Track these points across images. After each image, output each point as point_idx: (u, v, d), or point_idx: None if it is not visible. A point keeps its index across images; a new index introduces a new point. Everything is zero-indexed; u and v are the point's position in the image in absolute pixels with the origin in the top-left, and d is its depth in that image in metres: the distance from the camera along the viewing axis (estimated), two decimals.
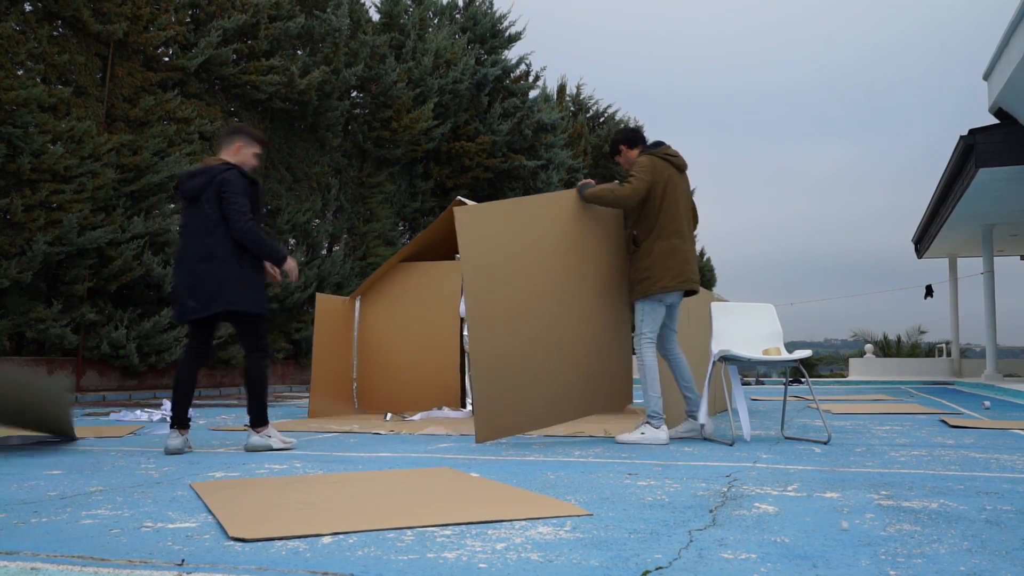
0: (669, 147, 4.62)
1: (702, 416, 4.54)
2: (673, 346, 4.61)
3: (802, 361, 4.80)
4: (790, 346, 4.82)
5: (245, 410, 4.34)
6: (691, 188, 4.77)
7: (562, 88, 23.24)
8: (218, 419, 6.34)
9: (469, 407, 6.76)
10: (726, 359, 4.57)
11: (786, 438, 4.65)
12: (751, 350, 4.61)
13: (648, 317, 4.47)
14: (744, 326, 4.76)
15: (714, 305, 4.82)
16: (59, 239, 9.14)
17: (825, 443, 4.36)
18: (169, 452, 3.94)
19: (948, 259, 20.35)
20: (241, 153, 4.27)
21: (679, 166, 4.60)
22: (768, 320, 4.83)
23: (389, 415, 6.23)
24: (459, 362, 6.78)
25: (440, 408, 6.55)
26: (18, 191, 8.83)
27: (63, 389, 4.25)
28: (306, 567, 1.71)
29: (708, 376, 4.64)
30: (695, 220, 4.77)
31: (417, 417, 6.19)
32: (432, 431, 5.12)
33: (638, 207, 4.49)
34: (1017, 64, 9.52)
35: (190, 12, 11.49)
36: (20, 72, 9.06)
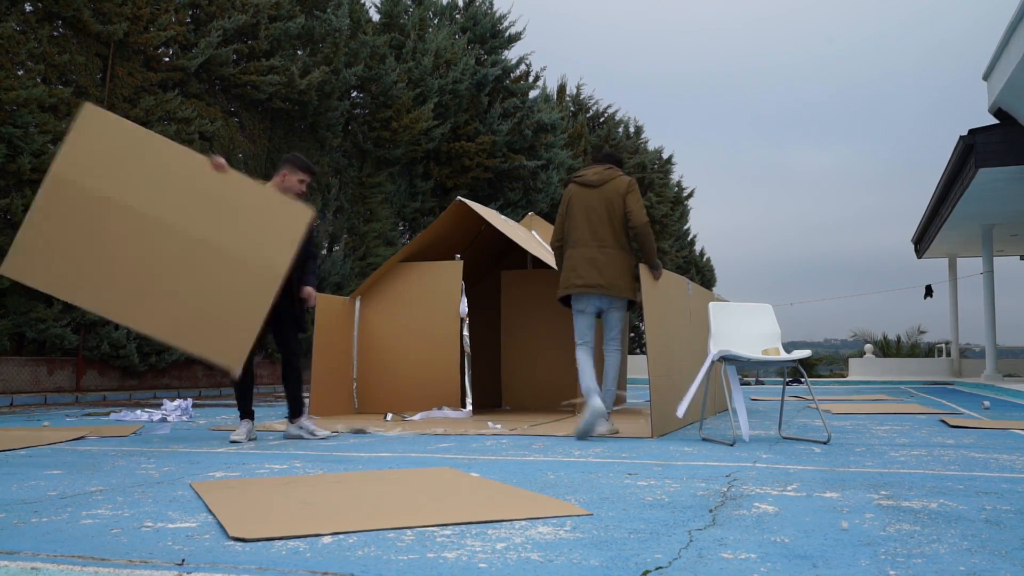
0: (584, 169, 5.09)
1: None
2: (607, 349, 4.98)
3: (801, 361, 4.80)
4: (789, 346, 4.82)
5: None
6: (612, 196, 4.87)
7: (562, 88, 23.25)
8: (218, 419, 6.34)
9: (469, 407, 6.76)
10: (725, 359, 4.57)
11: (784, 438, 4.65)
12: (750, 350, 4.61)
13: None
14: (742, 326, 4.76)
15: (712, 305, 4.81)
16: None
17: (825, 443, 4.37)
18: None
19: (948, 259, 20.35)
20: (287, 181, 4.58)
21: (586, 183, 4.94)
22: (766, 320, 4.83)
23: (389, 415, 6.23)
24: (459, 362, 6.78)
25: (440, 408, 6.56)
26: (18, 191, 8.83)
27: None
28: (306, 567, 1.72)
29: (703, 375, 4.62)
30: (628, 219, 4.84)
31: (417, 417, 6.19)
32: (432, 431, 5.12)
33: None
34: (1017, 64, 9.52)
35: (190, 12, 11.49)
36: (20, 72, 9.06)
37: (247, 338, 3.96)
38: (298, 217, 4.11)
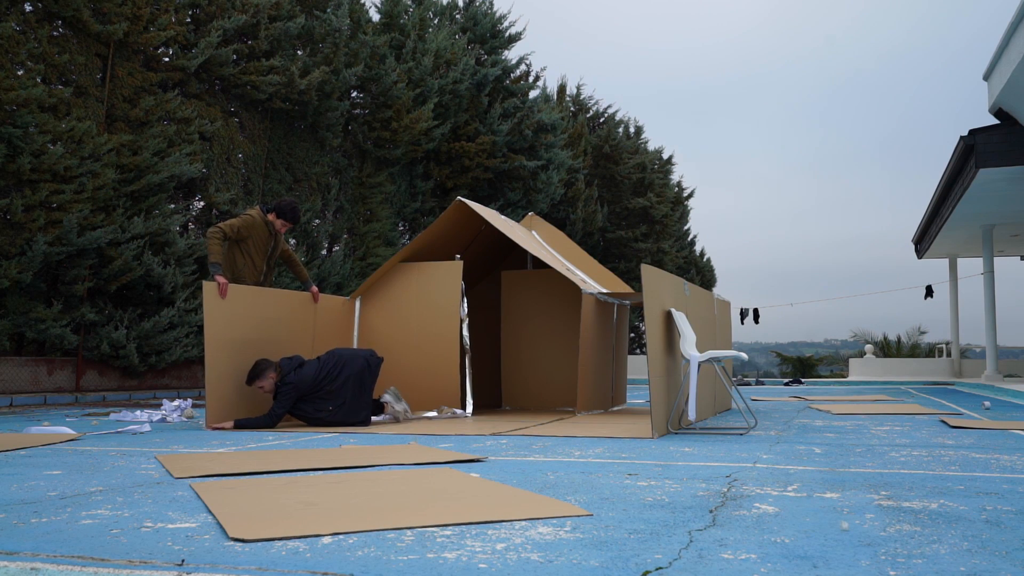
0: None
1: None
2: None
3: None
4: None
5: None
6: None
7: (562, 88, 23.23)
8: None
9: (470, 407, 6.76)
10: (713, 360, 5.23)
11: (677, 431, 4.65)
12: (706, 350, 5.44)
13: None
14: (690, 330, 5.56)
15: (676, 312, 5.30)
16: (59, 239, 9.14)
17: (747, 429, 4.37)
18: None
19: (948, 259, 20.34)
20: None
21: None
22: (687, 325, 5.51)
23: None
24: (459, 362, 6.78)
25: (440, 408, 6.56)
26: (18, 191, 8.83)
27: None
28: (306, 567, 1.71)
29: (693, 377, 4.89)
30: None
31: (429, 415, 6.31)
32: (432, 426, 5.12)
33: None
34: (1017, 64, 9.52)
35: (190, 12, 11.49)
36: (20, 72, 9.05)
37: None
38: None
